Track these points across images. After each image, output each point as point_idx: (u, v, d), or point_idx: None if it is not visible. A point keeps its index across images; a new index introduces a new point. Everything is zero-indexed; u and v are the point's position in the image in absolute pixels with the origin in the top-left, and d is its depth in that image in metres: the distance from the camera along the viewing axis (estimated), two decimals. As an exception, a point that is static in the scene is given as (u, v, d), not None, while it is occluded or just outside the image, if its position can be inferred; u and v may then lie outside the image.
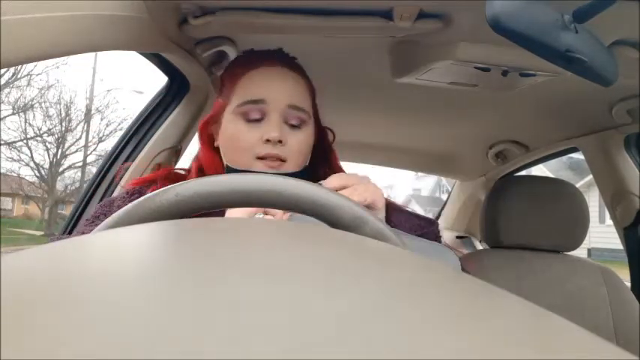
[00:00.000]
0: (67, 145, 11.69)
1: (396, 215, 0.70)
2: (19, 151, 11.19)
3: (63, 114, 11.52)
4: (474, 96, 1.11)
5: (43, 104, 11.14)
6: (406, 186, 22.49)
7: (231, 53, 0.94)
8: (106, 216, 0.62)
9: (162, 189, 0.37)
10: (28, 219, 13.02)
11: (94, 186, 1.12)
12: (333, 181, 0.58)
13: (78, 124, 11.80)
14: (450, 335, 0.13)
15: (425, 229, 0.72)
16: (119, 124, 11.55)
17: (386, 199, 0.65)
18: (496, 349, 0.12)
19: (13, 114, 10.78)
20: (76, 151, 11.79)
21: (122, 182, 1.05)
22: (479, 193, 1.99)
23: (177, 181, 0.38)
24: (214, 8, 0.78)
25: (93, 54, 4.82)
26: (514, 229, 1.20)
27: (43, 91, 11.11)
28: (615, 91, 1.07)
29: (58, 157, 11.63)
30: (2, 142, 10.69)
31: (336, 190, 0.49)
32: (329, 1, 0.76)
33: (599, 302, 1.12)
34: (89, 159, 11.56)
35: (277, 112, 0.67)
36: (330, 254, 0.21)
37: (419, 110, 1.37)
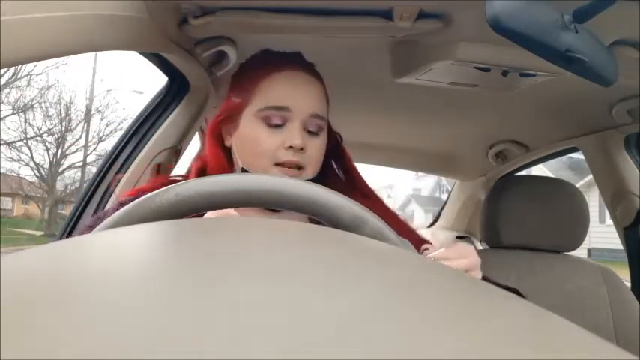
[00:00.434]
0: (67, 145, 11.71)
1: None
2: (19, 151, 11.21)
3: (63, 114, 11.55)
4: (474, 96, 1.11)
5: (43, 104, 11.17)
6: (406, 186, 22.50)
7: (231, 53, 0.94)
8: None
9: (162, 189, 0.37)
10: (28, 219, 13.01)
11: (94, 186, 1.12)
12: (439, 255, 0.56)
13: (78, 124, 11.83)
14: (450, 335, 0.13)
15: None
16: (119, 124, 11.59)
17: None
18: (496, 349, 0.12)
19: (13, 114, 10.80)
20: (76, 151, 11.82)
21: (122, 183, 1.05)
22: (479, 193, 1.99)
23: None
24: (214, 8, 0.78)
25: (93, 54, 4.83)
26: (514, 229, 1.20)
27: (43, 91, 11.14)
28: (615, 91, 1.07)
29: (58, 157, 11.65)
30: (2, 142, 10.70)
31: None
32: (329, 1, 0.76)
33: (599, 302, 1.12)
34: (89, 159, 11.59)
35: (300, 119, 0.68)
36: (330, 254, 0.21)
37: (419, 110, 1.37)
